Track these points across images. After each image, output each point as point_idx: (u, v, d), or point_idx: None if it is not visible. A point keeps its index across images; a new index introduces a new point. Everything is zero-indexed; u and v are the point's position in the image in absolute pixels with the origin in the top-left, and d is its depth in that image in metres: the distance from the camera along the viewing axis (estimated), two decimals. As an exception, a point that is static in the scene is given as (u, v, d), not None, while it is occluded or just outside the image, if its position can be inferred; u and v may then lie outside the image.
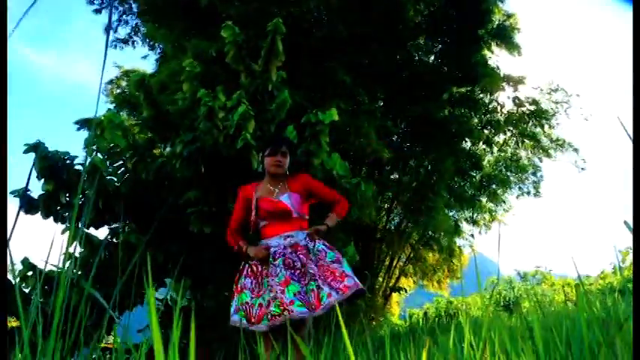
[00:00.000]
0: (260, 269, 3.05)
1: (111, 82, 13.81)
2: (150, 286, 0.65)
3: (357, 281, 2.94)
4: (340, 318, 1.07)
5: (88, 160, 4.26)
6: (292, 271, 2.97)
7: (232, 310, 3.03)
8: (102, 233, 5.17)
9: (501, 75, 12.12)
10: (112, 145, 4.86)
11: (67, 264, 0.93)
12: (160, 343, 0.64)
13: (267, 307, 2.88)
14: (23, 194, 4.75)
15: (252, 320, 2.87)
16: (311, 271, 2.95)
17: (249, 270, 3.10)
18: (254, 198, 3.26)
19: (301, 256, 3.02)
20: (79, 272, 3.92)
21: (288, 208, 3.16)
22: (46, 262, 0.87)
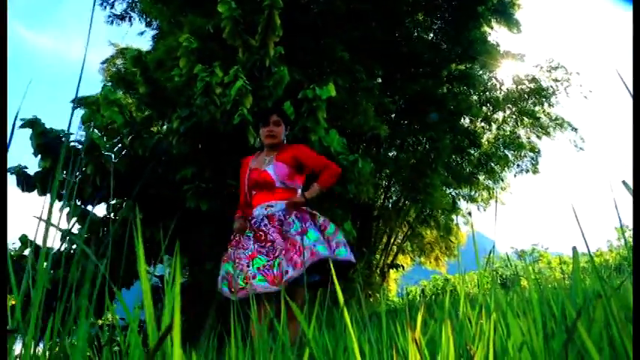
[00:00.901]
0: (263, 235, 3.06)
1: (106, 60, 13.69)
2: (141, 251, 0.64)
3: (316, 251, 2.83)
4: (338, 287, 1.07)
5: (83, 135, 4.24)
6: (261, 244, 3.00)
7: (219, 279, 3.05)
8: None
9: (501, 52, 12.06)
10: (108, 122, 4.83)
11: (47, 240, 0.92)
12: (152, 310, 0.64)
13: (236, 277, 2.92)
14: (19, 172, 4.74)
15: (232, 290, 2.89)
16: (279, 247, 2.95)
17: (234, 241, 3.13)
18: (249, 169, 3.30)
19: (272, 229, 3.03)
20: (74, 247, 3.92)
21: (270, 179, 3.17)
22: (35, 237, 0.86)
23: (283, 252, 2.91)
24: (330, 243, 3.03)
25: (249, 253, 2.97)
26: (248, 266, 2.91)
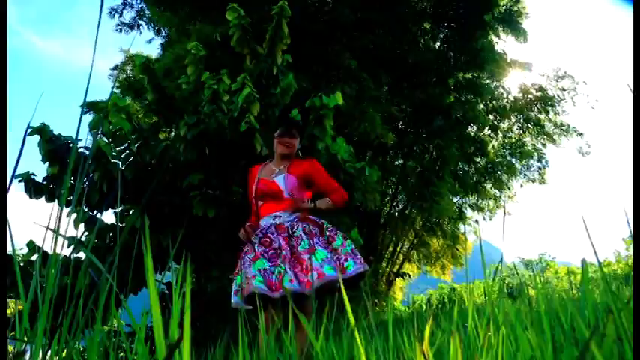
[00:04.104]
0: (269, 242, 3.03)
1: (116, 67, 13.76)
2: (149, 260, 0.64)
3: (323, 272, 2.82)
4: (345, 296, 1.07)
5: (91, 141, 4.27)
6: (265, 249, 2.98)
7: (232, 294, 2.98)
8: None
9: (508, 61, 12.04)
10: (116, 128, 4.85)
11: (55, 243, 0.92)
12: (160, 323, 0.64)
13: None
14: (28, 178, 4.76)
15: (273, 288, 2.84)
16: (284, 255, 2.94)
17: (258, 241, 3.09)
18: (257, 179, 3.29)
19: (281, 238, 3.02)
20: (79, 252, 3.93)
21: (278, 189, 3.17)
22: (43, 243, 0.86)
23: (288, 263, 2.90)
24: (338, 256, 3.01)
25: (253, 255, 2.96)
26: (249, 267, 2.90)
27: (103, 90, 4.73)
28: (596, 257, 0.89)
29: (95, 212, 4.89)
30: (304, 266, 2.85)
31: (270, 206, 3.20)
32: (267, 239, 3.03)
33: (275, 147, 3.37)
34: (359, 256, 3.07)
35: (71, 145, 4.65)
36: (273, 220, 3.14)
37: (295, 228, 3.06)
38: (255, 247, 2.99)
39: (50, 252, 0.82)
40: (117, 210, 5.00)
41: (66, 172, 4.61)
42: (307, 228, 3.06)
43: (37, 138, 4.62)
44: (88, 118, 5.19)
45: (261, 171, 3.35)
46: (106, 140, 4.80)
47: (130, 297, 4.75)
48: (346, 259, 2.99)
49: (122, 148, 4.93)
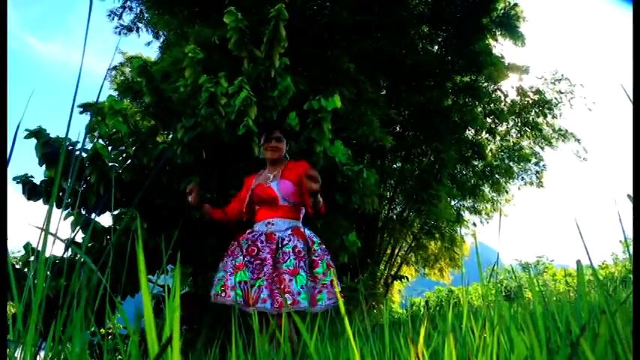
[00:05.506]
0: (255, 251, 3.03)
1: (115, 68, 13.73)
2: (142, 261, 0.64)
3: (298, 300, 2.79)
4: (340, 299, 1.07)
5: (88, 144, 4.26)
6: (250, 259, 2.98)
7: (223, 286, 2.97)
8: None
9: (505, 64, 12.07)
10: (113, 130, 4.84)
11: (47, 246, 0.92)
12: (152, 325, 0.64)
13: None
14: (26, 181, 4.76)
15: (250, 302, 2.84)
16: (265, 269, 2.93)
17: (230, 250, 3.11)
18: (253, 185, 3.31)
19: (267, 248, 3.00)
20: (76, 255, 3.92)
21: (274, 195, 3.16)
22: (37, 244, 0.86)
23: (267, 277, 2.89)
24: (315, 286, 2.99)
25: (238, 263, 2.96)
26: (230, 276, 2.91)
27: (102, 91, 4.72)
28: (589, 260, 0.89)
29: (92, 214, 4.88)
30: (283, 286, 2.85)
31: (265, 212, 3.19)
32: (255, 248, 3.01)
33: (264, 153, 3.38)
34: (335, 290, 3.06)
35: (69, 148, 4.64)
36: (266, 226, 3.13)
37: (286, 242, 3.04)
38: (240, 256, 2.99)
39: (43, 253, 0.81)
40: (113, 213, 4.99)
41: (63, 175, 4.61)
42: (297, 247, 3.04)
43: (35, 141, 4.61)
44: (85, 120, 5.19)
45: (257, 178, 3.37)
46: (103, 143, 4.79)
47: (127, 299, 4.74)
48: (320, 292, 2.97)
49: (119, 150, 4.93)
